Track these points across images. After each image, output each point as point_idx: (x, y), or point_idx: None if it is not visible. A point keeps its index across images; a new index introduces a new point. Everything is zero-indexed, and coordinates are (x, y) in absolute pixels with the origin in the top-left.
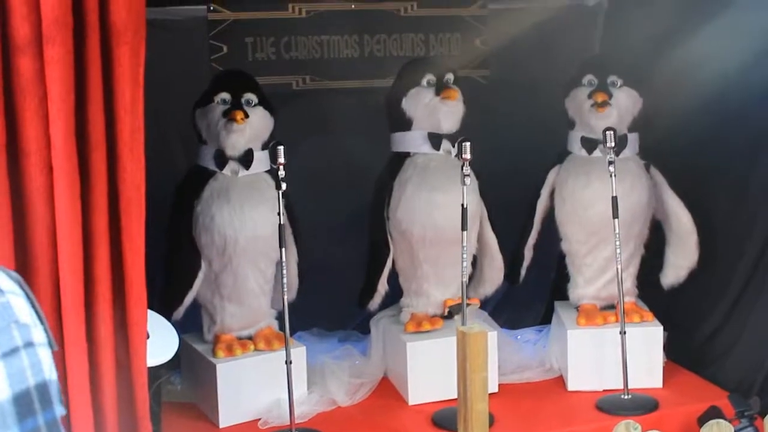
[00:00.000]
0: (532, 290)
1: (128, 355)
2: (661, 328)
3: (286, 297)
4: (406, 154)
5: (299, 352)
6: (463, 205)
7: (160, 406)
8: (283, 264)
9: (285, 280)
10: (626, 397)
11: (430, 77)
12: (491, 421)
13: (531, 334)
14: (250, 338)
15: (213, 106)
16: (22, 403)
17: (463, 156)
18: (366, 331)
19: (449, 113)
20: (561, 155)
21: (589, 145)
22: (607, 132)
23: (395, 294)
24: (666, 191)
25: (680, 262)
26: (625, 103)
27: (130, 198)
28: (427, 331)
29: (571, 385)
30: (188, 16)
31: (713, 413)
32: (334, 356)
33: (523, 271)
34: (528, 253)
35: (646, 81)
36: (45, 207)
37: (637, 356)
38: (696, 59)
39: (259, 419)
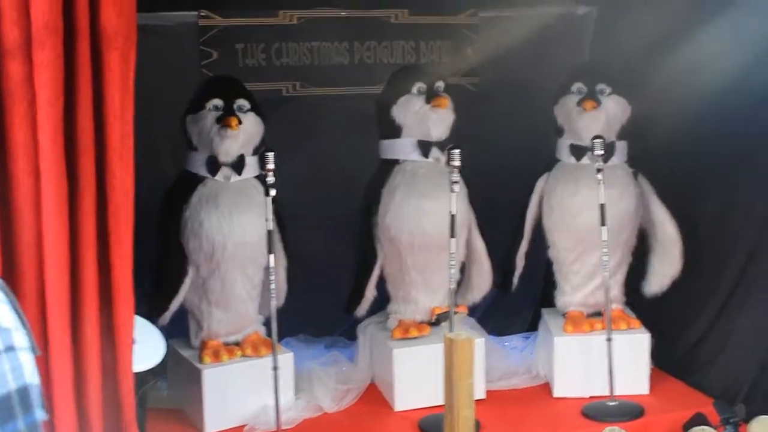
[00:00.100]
0: (519, 297)
1: (115, 360)
2: (648, 335)
3: (274, 303)
4: (395, 161)
5: (286, 359)
6: (451, 212)
7: (146, 412)
8: (271, 270)
9: (273, 286)
10: (612, 403)
11: (420, 85)
12: (477, 427)
13: (518, 341)
14: (237, 344)
15: (205, 112)
16: (3, 407)
17: (452, 163)
18: (353, 337)
19: (439, 121)
20: (549, 163)
21: (578, 152)
22: (595, 140)
23: (383, 300)
24: (652, 200)
25: (664, 270)
26: (613, 111)
27: (119, 203)
28: (414, 338)
29: (558, 392)
30: (179, 21)
31: (699, 420)
32: (320, 362)
33: (515, 280)
34: (520, 261)
35: (636, 90)
36: (32, 212)
37: (624, 363)
38: (685, 68)
39: (245, 425)
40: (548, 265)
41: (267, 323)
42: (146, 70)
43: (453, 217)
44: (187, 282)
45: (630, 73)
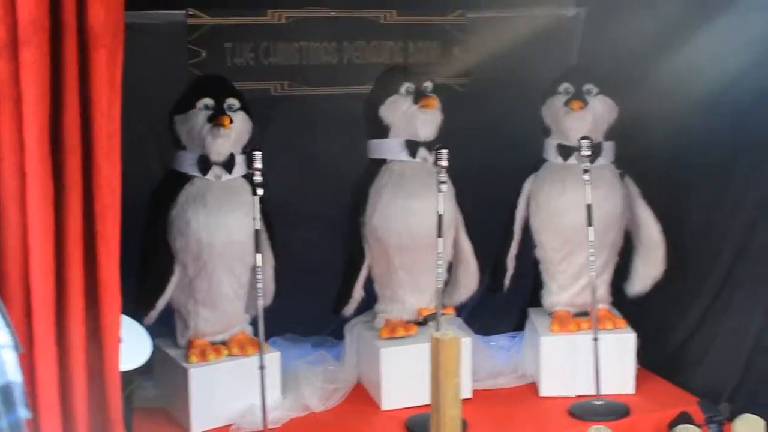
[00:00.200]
0: (506, 297)
1: (101, 360)
2: (634, 335)
3: (260, 302)
4: (383, 161)
5: (273, 358)
6: (438, 212)
7: (132, 412)
8: (259, 269)
9: (260, 285)
10: (598, 402)
11: (408, 85)
12: (464, 426)
13: (505, 341)
14: (223, 343)
15: (195, 111)
16: None
17: (440, 163)
18: (340, 336)
19: (427, 121)
20: (537, 163)
21: (565, 152)
22: (582, 141)
23: (371, 300)
24: (638, 202)
25: (647, 272)
26: (600, 111)
27: (106, 202)
28: (402, 337)
29: (544, 391)
30: (167, 20)
31: (684, 419)
32: (307, 361)
33: (507, 282)
34: (510, 263)
35: (624, 91)
36: (17, 211)
37: (610, 363)
38: (673, 71)
39: (232, 425)
40: (535, 264)
41: (254, 323)
42: (134, 68)
43: (440, 217)
44: (174, 281)
45: (618, 74)
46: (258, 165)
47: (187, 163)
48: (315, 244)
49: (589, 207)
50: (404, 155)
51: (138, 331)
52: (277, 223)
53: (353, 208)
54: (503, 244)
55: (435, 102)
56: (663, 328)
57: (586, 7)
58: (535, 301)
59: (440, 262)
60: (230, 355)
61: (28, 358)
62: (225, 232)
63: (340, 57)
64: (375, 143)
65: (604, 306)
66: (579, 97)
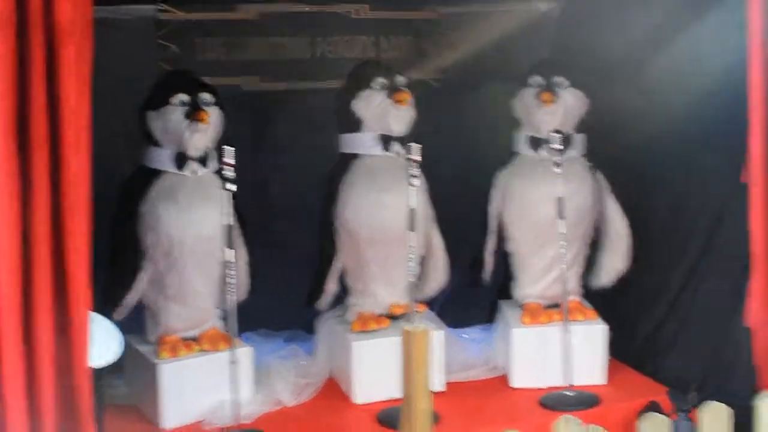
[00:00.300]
0: (479, 289)
1: (70, 357)
2: (605, 326)
3: (231, 298)
4: (355, 155)
5: (245, 353)
6: (410, 206)
7: (103, 409)
8: (231, 264)
9: (233, 280)
10: (570, 393)
11: (381, 80)
12: (436, 419)
13: (477, 333)
14: (195, 339)
15: (171, 107)
16: None
17: (411, 157)
18: (313, 330)
19: (399, 117)
20: (508, 157)
21: (536, 144)
22: (553, 134)
23: (343, 293)
24: (606, 195)
25: (612, 265)
26: (571, 104)
27: (75, 198)
28: (374, 331)
29: (516, 383)
30: (137, 15)
31: (653, 408)
32: (279, 356)
33: (486, 277)
34: (489, 257)
35: (595, 86)
36: None
37: (581, 354)
38: (644, 66)
39: (203, 420)
40: (505, 257)
41: (226, 318)
42: (104, 63)
43: (412, 210)
44: (143, 277)
45: (591, 69)
46: (229, 160)
47: (162, 159)
48: (288, 239)
49: (560, 200)
50: (377, 149)
51: (107, 327)
52: (249, 218)
53: (325, 202)
54: (482, 239)
55: (408, 97)
56: (633, 320)
57: (560, 2)
58: (505, 293)
59: (412, 256)
60: (201, 350)
61: None
62: (196, 228)
63: (313, 52)
64: (347, 137)
65: (575, 298)
66: (549, 89)
